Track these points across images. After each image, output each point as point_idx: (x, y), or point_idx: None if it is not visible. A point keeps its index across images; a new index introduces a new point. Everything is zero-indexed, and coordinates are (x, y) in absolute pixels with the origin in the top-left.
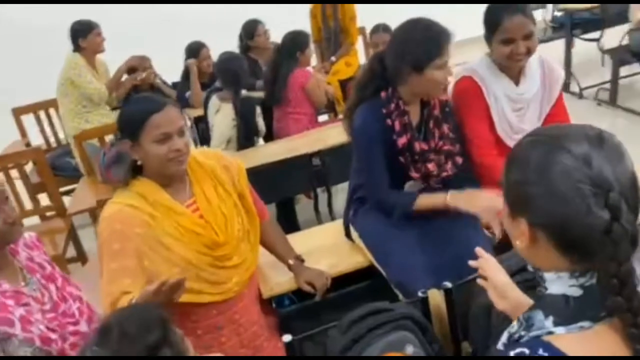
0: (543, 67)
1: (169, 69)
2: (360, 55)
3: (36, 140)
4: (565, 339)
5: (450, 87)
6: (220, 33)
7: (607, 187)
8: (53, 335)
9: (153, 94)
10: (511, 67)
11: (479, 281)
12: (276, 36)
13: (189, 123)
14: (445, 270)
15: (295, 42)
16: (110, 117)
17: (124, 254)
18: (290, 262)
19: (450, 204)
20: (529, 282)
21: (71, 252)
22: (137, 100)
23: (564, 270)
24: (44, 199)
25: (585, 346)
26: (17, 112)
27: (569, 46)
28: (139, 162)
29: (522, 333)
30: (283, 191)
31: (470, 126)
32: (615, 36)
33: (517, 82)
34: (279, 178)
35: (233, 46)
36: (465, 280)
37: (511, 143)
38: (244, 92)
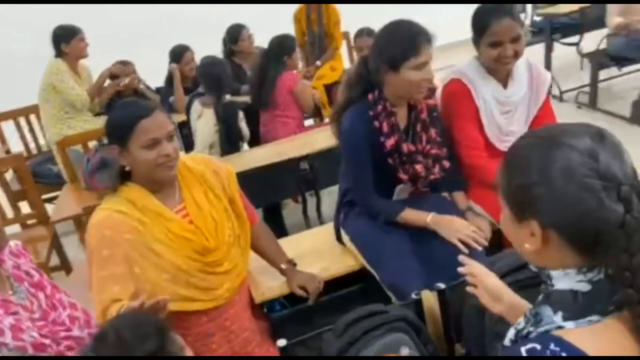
0: (530, 70)
1: (155, 73)
2: (345, 60)
3: (16, 147)
4: (575, 333)
5: (439, 91)
6: (205, 36)
7: (618, 181)
8: (46, 341)
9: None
10: (499, 70)
11: (469, 288)
12: (260, 41)
13: None
14: (437, 272)
15: (282, 46)
16: (93, 123)
17: (114, 261)
18: (283, 266)
19: (429, 226)
20: (521, 282)
21: (54, 260)
22: (125, 105)
23: (572, 266)
24: (24, 207)
25: (595, 340)
26: None
27: (549, 50)
28: (127, 168)
29: (531, 329)
30: (271, 195)
31: (460, 128)
32: (593, 40)
33: (505, 85)
34: (266, 182)
35: (218, 50)
36: (458, 281)
37: (500, 145)
38: (228, 96)
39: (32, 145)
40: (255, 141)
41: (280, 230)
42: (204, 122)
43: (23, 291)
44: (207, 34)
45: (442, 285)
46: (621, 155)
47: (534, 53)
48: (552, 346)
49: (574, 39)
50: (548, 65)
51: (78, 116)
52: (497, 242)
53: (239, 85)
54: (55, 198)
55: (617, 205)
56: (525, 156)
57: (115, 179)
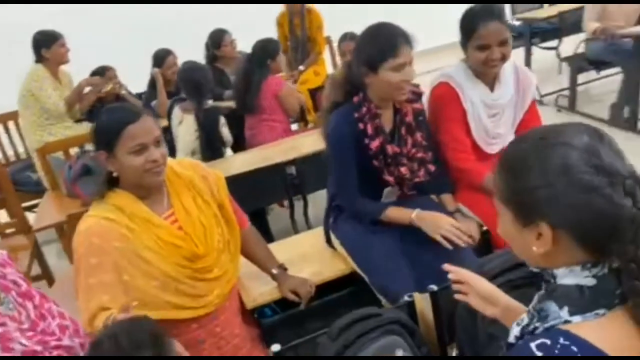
0: (517, 73)
1: (136, 78)
2: (328, 65)
3: None
4: (582, 327)
5: (425, 96)
6: (188, 41)
7: (621, 175)
8: (38, 347)
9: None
10: (486, 73)
11: (457, 296)
12: (243, 46)
13: None
14: (428, 274)
15: (266, 50)
16: (74, 130)
17: (102, 269)
18: (274, 271)
19: (414, 223)
20: (513, 283)
21: (35, 270)
22: (112, 110)
23: (577, 263)
24: (2, 216)
25: (603, 332)
26: None
27: (528, 54)
28: (114, 174)
29: (537, 325)
30: (258, 201)
31: (448, 131)
32: (570, 45)
33: (492, 88)
34: (253, 187)
35: (201, 55)
36: (450, 282)
37: (487, 148)
38: (210, 102)
39: (10, 153)
40: (240, 146)
41: (266, 235)
42: (185, 128)
43: (10, 301)
44: (190, 39)
45: (434, 287)
46: (618, 150)
47: (514, 57)
48: (561, 340)
49: (553, 43)
50: None
51: (59, 122)
52: (486, 244)
53: (222, 91)
54: (34, 206)
55: (625, 200)
56: (525, 159)
57: (103, 185)
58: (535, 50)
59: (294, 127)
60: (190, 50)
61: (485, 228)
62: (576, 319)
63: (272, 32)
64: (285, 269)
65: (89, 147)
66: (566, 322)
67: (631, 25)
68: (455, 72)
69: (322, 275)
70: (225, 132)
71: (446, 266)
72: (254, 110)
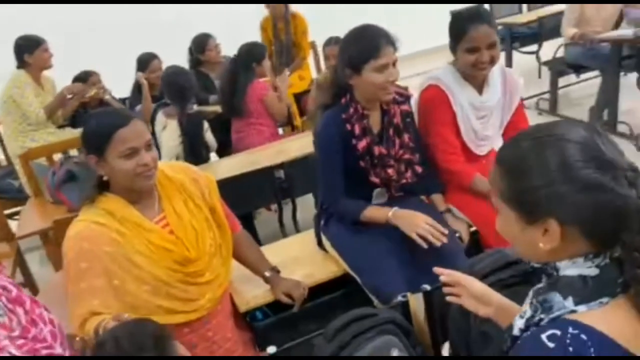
0: (504, 76)
1: (120, 83)
2: (312, 69)
3: None
4: (588, 315)
5: (413, 99)
6: (172, 46)
7: (623, 167)
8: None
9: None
10: (475, 76)
11: (450, 298)
12: (227, 51)
13: None
14: (420, 274)
15: (251, 53)
16: (57, 136)
17: (92, 274)
18: (267, 274)
19: (391, 221)
20: (504, 282)
21: (18, 278)
22: (102, 114)
23: (581, 255)
24: None
25: (608, 319)
26: None
27: (509, 59)
28: (105, 178)
29: (542, 316)
30: (246, 205)
31: (438, 133)
32: (549, 49)
33: (480, 91)
34: (242, 191)
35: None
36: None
37: (476, 149)
38: (195, 107)
39: None
40: (225, 150)
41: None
42: (168, 133)
43: (0, 307)
44: (174, 43)
45: (427, 287)
46: (614, 143)
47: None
48: (570, 329)
49: (532, 47)
50: None
51: (41, 129)
52: (475, 244)
53: (207, 95)
54: (16, 214)
55: (630, 191)
56: (526, 157)
57: (93, 189)
58: (515, 54)
59: (280, 131)
60: (174, 54)
61: (474, 228)
62: (581, 308)
63: (256, 37)
64: (278, 272)
65: (73, 152)
66: (572, 312)
67: (608, 30)
68: (443, 74)
69: (314, 277)
70: (209, 137)
71: (437, 269)
72: (240, 113)
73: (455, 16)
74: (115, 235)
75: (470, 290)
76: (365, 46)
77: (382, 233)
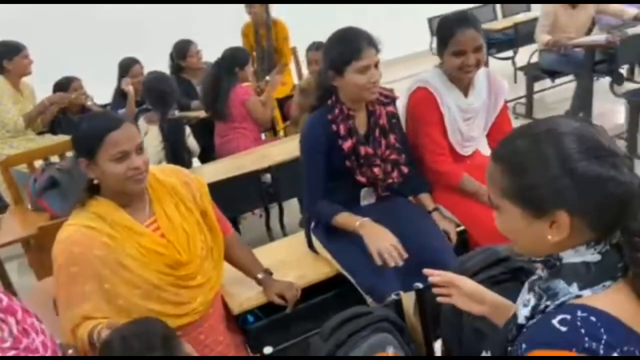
0: (489, 79)
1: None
2: (294, 75)
3: None
4: (594, 299)
5: (399, 101)
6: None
7: (622, 155)
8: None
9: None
10: (461, 79)
11: (441, 299)
12: (208, 57)
13: None
14: (412, 273)
15: (235, 58)
16: (37, 142)
17: (83, 278)
18: (259, 276)
19: (357, 230)
20: (494, 278)
21: None
22: (93, 117)
23: (583, 244)
24: None
25: (612, 301)
26: None
27: (485, 64)
28: (95, 182)
29: (548, 303)
30: (233, 209)
31: (426, 134)
32: (524, 55)
33: (466, 94)
34: (228, 196)
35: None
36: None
37: (461, 150)
38: (176, 112)
39: None
40: (209, 155)
41: None
42: (150, 139)
43: None
44: (155, 49)
45: (420, 285)
46: (607, 132)
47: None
48: (579, 313)
49: (508, 53)
50: None
51: (20, 135)
52: (463, 243)
53: (189, 101)
54: None
55: (633, 177)
56: (529, 153)
57: (84, 193)
58: (491, 60)
59: (262, 136)
60: (155, 60)
61: (461, 228)
62: (586, 292)
63: (237, 43)
64: (271, 274)
65: (54, 159)
66: (577, 296)
67: (581, 37)
68: (431, 77)
69: (307, 278)
70: (192, 142)
71: (427, 271)
72: (224, 118)
73: (443, 20)
74: (106, 239)
75: (463, 290)
76: (347, 48)
77: None
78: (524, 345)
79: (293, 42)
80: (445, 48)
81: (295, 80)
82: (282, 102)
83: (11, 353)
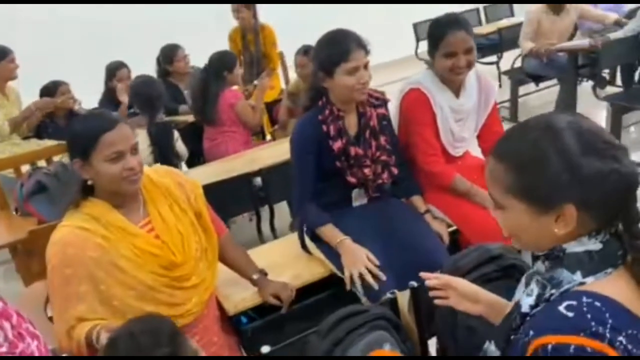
0: (479, 81)
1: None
2: (281, 79)
3: None
4: (597, 285)
5: (390, 103)
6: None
7: (620, 146)
8: None
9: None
10: (453, 80)
11: (438, 302)
12: (195, 61)
13: None
14: (406, 273)
15: (222, 62)
16: (23, 147)
17: (77, 279)
18: (254, 276)
19: (337, 249)
20: (487, 276)
21: None
22: (88, 118)
23: (585, 234)
24: None
25: (615, 287)
26: None
27: None
28: (89, 182)
29: (553, 291)
30: (223, 212)
31: (419, 134)
32: (507, 60)
33: (457, 95)
34: (219, 199)
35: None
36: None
37: (453, 151)
38: (163, 117)
39: None
40: (197, 159)
41: None
42: (139, 143)
43: None
44: (142, 54)
45: (414, 284)
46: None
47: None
48: (584, 299)
49: (492, 58)
50: None
51: (5, 140)
52: (455, 243)
53: (176, 106)
54: None
55: (632, 167)
56: (534, 149)
57: (77, 194)
58: (476, 65)
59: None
60: (142, 64)
61: (453, 228)
62: (589, 279)
63: (223, 48)
64: (266, 274)
65: (41, 163)
66: (581, 283)
67: (564, 42)
68: (423, 78)
69: (301, 278)
70: (180, 146)
71: (424, 274)
72: (213, 122)
73: (434, 22)
74: (100, 240)
75: (459, 291)
76: (336, 50)
77: (366, 233)
78: (531, 332)
79: (280, 47)
80: (436, 50)
81: (283, 85)
82: (271, 107)
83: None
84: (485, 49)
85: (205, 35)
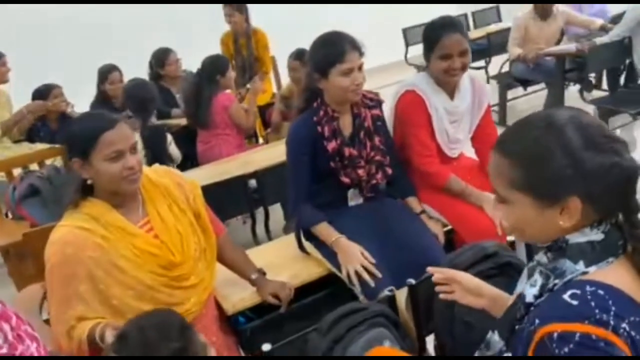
0: (473, 83)
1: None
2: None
3: None
4: (599, 274)
5: (385, 105)
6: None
7: (620, 140)
8: None
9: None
10: (447, 82)
11: (443, 296)
12: (186, 65)
13: None
14: (403, 271)
15: (215, 65)
16: (14, 150)
17: (77, 279)
18: (253, 276)
19: (332, 247)
20: (484, 273)
21: None
22: (87, 117)
23: (587, 225)
24: None
25: (616, 275)
26: None
27: None
28: (89, 182)
29: (556, 281)
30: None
31: (415, 135)
32: (495, 64)
33: (451, 97)
34: (214, 201)
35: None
36: (426, 276)
37: (448, 152)
38: (154, 120)
39: None
40: (191, 163)
41: None
42: None
43: None
44: (134, 57)
45: (412, 281)
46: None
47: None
48: (588, 287)
49: (480, 63)
50: None
51: None
52: (450, 242)
53: (169, 109)
54: None
55: (633, 161)
56: (539, 144)
57: (76, 194)
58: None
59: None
60: (134, 69)
61: (448, 228)
62: (592, 269)
63: (216, 52)
64: (264, 274)
65: (33, 167)
66: (583, 273)
67: (551, 47)
68: (418, 81)
69: (299, 278)
70: (173, 149)
71: (431, 269)
72: (207, 126)
73: (430, 25)
74: (99, 240)
75: (464, 285)
76: (331, 51)
77: (362, 233)
78: (537, 321)
79: (272, 51)
80: (431, 52)
81: (275, 89)
82: (263, 110)
83: None
84: (473, 53)
85: (198, 39)
